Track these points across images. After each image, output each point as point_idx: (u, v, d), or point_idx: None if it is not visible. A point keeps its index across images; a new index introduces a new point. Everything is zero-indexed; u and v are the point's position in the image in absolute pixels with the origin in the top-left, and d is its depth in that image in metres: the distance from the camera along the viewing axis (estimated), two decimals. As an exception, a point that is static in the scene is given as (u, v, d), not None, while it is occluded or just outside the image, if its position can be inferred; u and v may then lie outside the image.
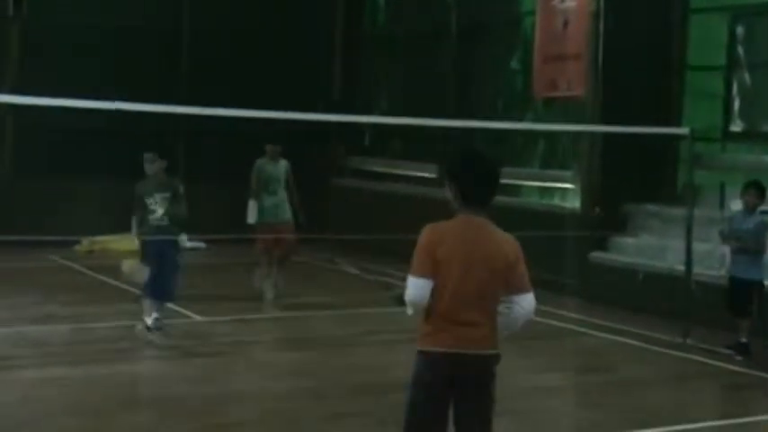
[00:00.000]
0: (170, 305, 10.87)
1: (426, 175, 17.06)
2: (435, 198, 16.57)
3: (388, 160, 18.25)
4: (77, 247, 15.92)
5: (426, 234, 4.73)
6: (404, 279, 4.74)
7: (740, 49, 13.19)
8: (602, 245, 13.36)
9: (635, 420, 7.68)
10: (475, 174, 4.78)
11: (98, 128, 15.02)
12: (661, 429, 7.49)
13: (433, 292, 4.66)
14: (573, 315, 11.98)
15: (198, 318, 11.22)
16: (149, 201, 10.08)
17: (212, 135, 16.29)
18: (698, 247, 10.97)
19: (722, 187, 12.63)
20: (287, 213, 12.27)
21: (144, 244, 10.16)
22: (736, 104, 13.28)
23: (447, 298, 4.65)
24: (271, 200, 12.23)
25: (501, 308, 4.78)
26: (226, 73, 17.79)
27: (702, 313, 10.51)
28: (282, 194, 12.28)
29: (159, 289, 10.02)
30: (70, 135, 16.07)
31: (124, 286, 11.83)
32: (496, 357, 4.73)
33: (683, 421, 7.73)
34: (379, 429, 7.18)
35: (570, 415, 8.17)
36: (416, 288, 4.66)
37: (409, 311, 4.76)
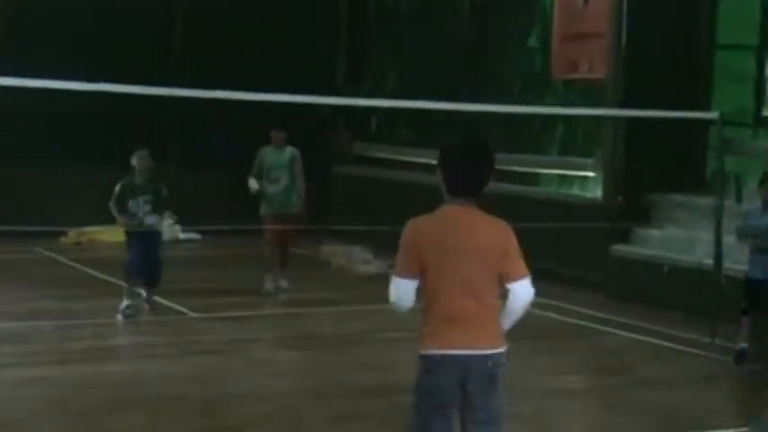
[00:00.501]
0: (163, 301, 10.98)
1: (436, 162, 17.09)
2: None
3: (395, 146, 18.28)
4: (63, 239, 16.02)
5: (409, 230, 4.74)
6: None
7: (773, 28, 13.20)
8: (624, 237, 13.41)
9: (658, 425, 7.75)
10: (463, 161, 4.78)
11: (86, 112, 15.09)
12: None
13: (428, 291, 4.70)
14: (593, 312, 12.03)
15: (193, 314, 11.31)
16: (131, 203, 10.68)
17: (208, 121, 16.34)
18: (728, 239, 10.93)
19: (737, 180, 12.26)
20: (292, 205, 12.32)
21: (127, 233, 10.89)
22: (769, 87, 13.28)
23: (442, 296, 4.67)
24: (273, 188, 12.29)
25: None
26: (223, 56, 17.82)
27: (732, 310, 10.49)
28: (286, 182, 12.32)
29: (145, 272, 10.81)
30: (56, 120, 16.13)
31: (114, 281, 11.91)
32: (502, 356, 4.74)
33: (708, 427, 7.78)
34: (380, 431, 7.26)
35: (589, 419, 8.23)
36: (399, 288, 4.70)
37: (402, 308, 4.78)
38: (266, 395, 8.33)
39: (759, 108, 13.39)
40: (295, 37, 18.41)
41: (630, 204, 13.44)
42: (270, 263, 12.43)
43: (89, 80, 9.08)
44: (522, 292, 4.76)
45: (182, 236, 16.43)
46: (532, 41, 15.95)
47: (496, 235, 4.75)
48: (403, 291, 4.70)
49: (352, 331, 10.93)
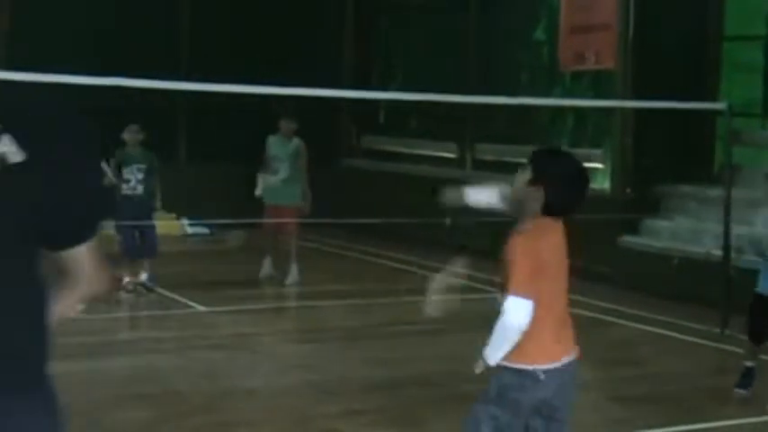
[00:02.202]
0: (170, 294, 10.89)
1: (445, 154, 16.98)
2: (455, 179, 16.54)
3: (403, 139, 18.17)
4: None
5: (530, 248, 4.56)
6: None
7: (782, 18, 13.09)
8: (633, 228, 13.29)
9: (668, 417, 7.65)
10: (579, 185, 4.73)
11: (91, 106, 14.97)
12: (695, 426, 7.47)
13: (541, 306, 4.55)
14: (601, 303, 11.90)
15: (201, 308, 11.21)
16: (125, 170, 11.46)
17: (214, 112, 16.23)
18: (737, 230, 10.85)
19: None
20: (288, 196, 12.17)
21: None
22: (778, 77, 13.17)
23: (554, 311, 4.64)
24: (271, 180, 12.21)
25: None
26: (229, 45, 17.71)
27: (742, 302, 10.38)
28: (285, 174, 12.19)
29: (141, 247, 11.53)
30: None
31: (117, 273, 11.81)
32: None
33: (719, 418, 7.68)
34: (392, 427, 7.14)
35: (598, 411, 8.11)
36: (526, 310, 4.48)
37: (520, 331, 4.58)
38: (273, 390, 8.22)
39: (767, 98, 13.30)
40: (302, 23, 18.24)
41: (639, 195, 13.33)
42: (267, 251, 12.50)
43: (95, 74, 8.98)
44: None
45: (189, 230, 16.33)
46: (540, 33, 15.84)
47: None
48: (528, 312, 4.48)
49: (362, 324, 10.82)
